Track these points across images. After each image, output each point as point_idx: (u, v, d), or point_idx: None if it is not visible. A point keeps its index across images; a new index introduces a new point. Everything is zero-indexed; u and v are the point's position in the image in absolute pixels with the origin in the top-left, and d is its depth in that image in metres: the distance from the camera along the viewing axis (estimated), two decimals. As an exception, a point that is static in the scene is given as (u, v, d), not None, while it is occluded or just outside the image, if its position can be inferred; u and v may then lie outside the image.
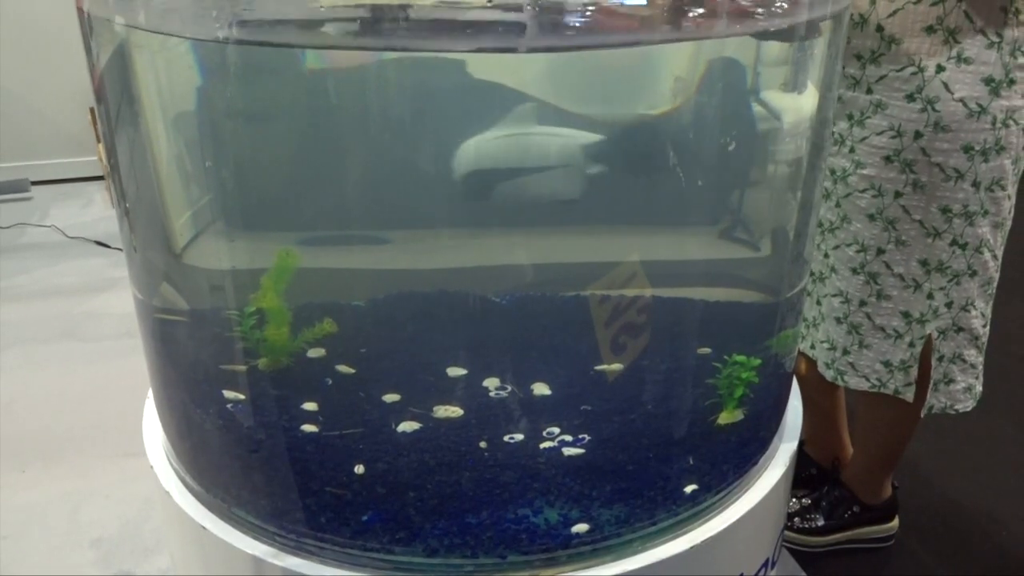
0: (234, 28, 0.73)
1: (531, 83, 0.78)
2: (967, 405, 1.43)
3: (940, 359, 1.39)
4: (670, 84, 0.83)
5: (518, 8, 0.72)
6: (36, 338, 2.39)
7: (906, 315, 1.36)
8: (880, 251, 1.33)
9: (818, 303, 1.46)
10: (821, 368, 1.48)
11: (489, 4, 0.73)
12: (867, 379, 1.42)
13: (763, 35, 0.85)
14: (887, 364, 1.40)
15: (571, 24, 0.74)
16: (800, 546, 1.65)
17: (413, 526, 0.86)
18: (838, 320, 1.42)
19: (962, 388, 1.41)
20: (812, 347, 1.50)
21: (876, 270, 1.35)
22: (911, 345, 1.38)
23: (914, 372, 1.39)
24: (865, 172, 1.30)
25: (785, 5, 0.85)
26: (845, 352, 1.42)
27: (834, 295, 1.41)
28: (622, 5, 0.78)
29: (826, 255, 1.41)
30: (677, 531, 0.91)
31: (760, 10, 0.84)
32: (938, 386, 1.41)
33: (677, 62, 0.82)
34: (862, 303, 1.38)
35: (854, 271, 1.37)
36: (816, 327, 1.48)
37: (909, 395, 1.41)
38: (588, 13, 0.75)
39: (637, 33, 0.78)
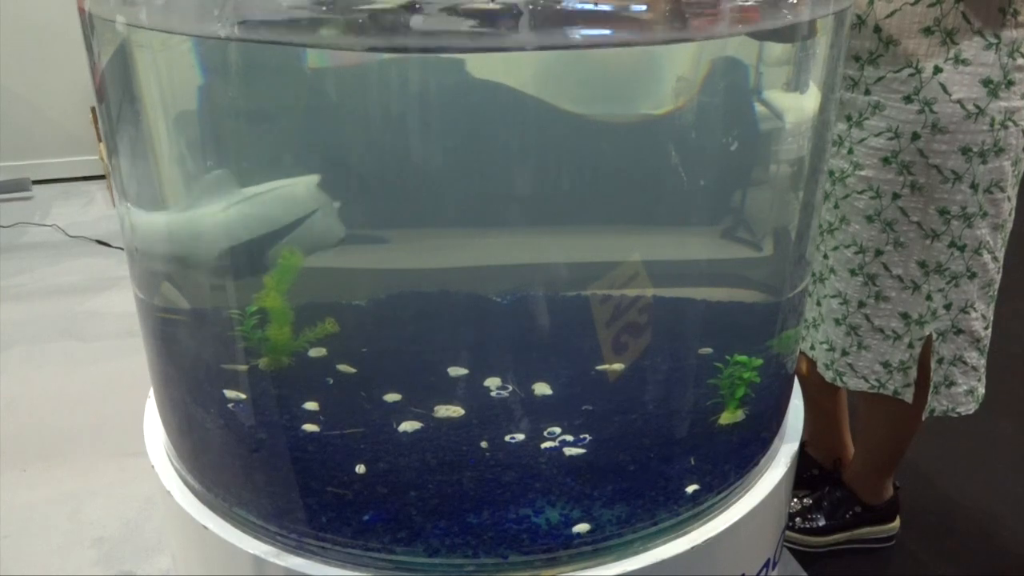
0: (235, 27, 0.73)
1: (532, 83, 0.78)
2: (969, 408, 1.42)
3: (940, 361, 1.38)
4: (672, 84, 0.83)
5: (518, 7, 0.72)
6: (37, 337, 2.39)
7: (905, 316, 1.36)
8: (878, 252, 1.33)
9: (818, 304, 1.46)
10: (820, 369, 1.47)
11: (492, 3, 0.73)
12: (866, 380, 1.42)
13: (765, 35, 0.84)
14: (886, 365, 1.40)
15: (571, 23, 0.74)
16: (801, 546, 1.65)
17: (414, 526, 0.86)
18: (837, 321, 1.41)
19: (963, 391, 1.41)
20: (812, 348, 1.50)
21: (874, 271, 1.35)
22: (910, 346, 1.38)
23: (913, 373, 1.39)
24: (863, 173, 1.30)
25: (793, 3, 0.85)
26: (844, 353, 1.42)
27: (833, 296, 1.41)
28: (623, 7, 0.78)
29: (825, 256, 1.41)
30: (678, 531, 0.90)
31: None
32: (939, 389, 1.41)
33: (679, 62, 0.82)
34: (861, 304, 1.38)
35: (852, 272, 1.36)
36: (816, 328, 1.48)
37: (908, 396, 1.41)
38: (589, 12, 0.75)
39: (638, 32, 0.78)
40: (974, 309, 1.35)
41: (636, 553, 0.88)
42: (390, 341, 0.96)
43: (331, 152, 0.83)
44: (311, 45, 0.77)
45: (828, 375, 1.46)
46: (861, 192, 1.31)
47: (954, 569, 1.64)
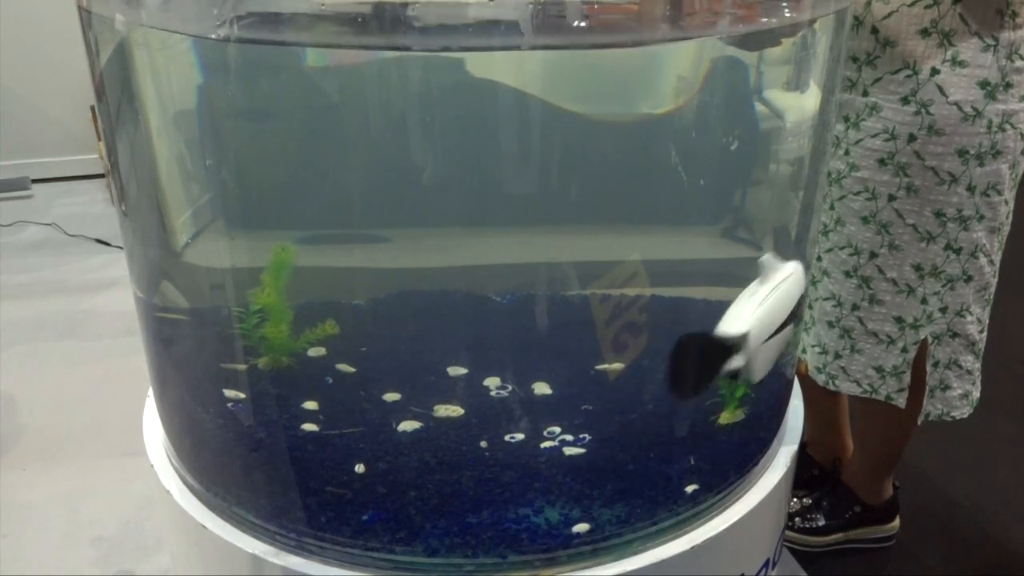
0: (235, 26, 0.73)
1: (532, 82, 0.78)
2: (964, 412, 1.42)
3: (935, 365, 1.38)
4: (672, 83, 0.83)
5: (519, 7, 0.72)
6: (36, 336, 2.39)
7: (899, 320, 1.36)
8: (873, 255, 1.33)
9: (810, 307, 1.45)
10: (812, 372, 1.47)
11: (490, 2, 0.73)
12: (858, 384, 1.42)
13: (763, 36, 0.84)
14: (879, 369, 1.39)
15: (571, 23, 0.74)
16: (801, 546, 1.65)
17: (414, 525, 0.86)
18: (830, 324, 1.41)
19: (959, 395, 1.41)
20: (803, 351, 1.50)
21: (869, 274, 1.34)
22: (904, 351, 1.37)
23: (906, 378, 1.38)
24: (859, 174, 1.29)
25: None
26: (837, 356, 1.42)
27: (826, 299, 1.40)
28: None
29: (818, 258, 1.40)
30: (678, 531, 0.90)
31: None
32: (934, 392, 1.40)
33: (679, 61, 0.82)
34: (854, 307, 1.37)
35: (847, 274, 1.36)
36: (807, 331, 1.47)
37: (901, 401, 1.40)
38: (589, 12, 0.75)
39: (637, 32, 0.78)
40: (970, 313, 1.35)
41: (636, 553, 0.88)
42: (390, 341, 0.96)
43: (330, 151, 0.83)
44: (311, 44, 0.77)
45: (820, 378, 1.46)
46: (857, 193, 1.30)
47: (954, 569, 1.64)
